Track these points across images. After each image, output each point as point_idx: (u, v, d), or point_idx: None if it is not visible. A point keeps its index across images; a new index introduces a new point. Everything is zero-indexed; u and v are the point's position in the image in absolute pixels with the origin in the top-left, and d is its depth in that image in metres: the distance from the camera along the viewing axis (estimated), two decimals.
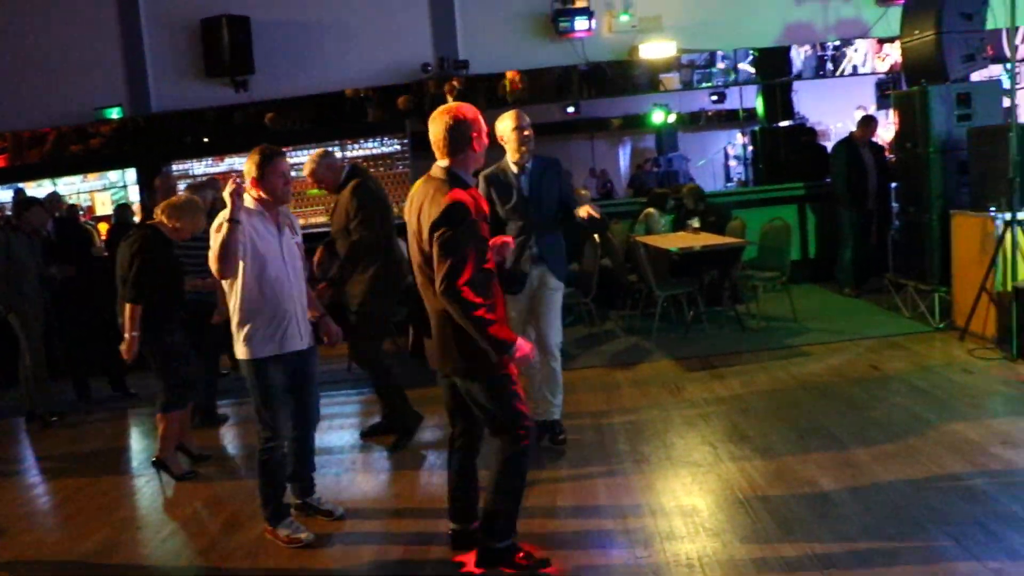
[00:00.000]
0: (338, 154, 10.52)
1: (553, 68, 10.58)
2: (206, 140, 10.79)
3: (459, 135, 3.71)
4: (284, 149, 4.56)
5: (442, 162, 3.75)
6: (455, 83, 10.35)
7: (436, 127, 3.73)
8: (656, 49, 10.34)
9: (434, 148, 3.77)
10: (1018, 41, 7.31)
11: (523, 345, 3.69)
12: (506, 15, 10.49)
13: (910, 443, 5.06)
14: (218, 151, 10.59)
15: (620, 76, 10.76)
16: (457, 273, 3.52)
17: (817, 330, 8.04)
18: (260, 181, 4.29)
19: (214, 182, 8.72)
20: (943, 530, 3.94)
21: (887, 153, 9.60)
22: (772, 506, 4.38)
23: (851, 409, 5.80)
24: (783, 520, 4.21)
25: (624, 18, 10.37)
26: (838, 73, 10.73)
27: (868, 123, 9.50)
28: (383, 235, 5.72)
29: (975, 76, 8.10)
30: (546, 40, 10.43)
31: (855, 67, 10.69)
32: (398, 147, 10.49)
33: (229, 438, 6.59)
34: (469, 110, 3.76)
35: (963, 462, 4.72)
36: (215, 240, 4.13)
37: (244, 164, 4.38)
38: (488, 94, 10.50)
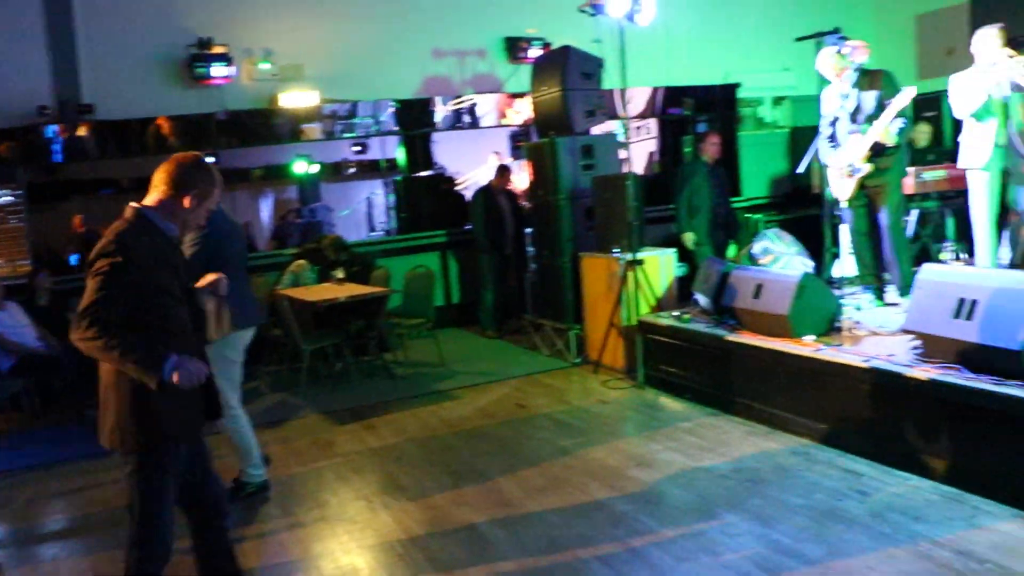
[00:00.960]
0: None
1: (190, 116, 9.95)
2: None
3: (188, 176, 3.20)
4: None
5: (149, 198, 3.19)
6: (80, 128, 9.44)
7: (173, 160, 3.23)
8: (297, 98, 10.15)
9: (152, 183, 3.21)
10: (628, 100, 8.06)
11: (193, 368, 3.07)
12: (137, 57, 9.66)
13: (557, 475, 5.24)
14: None
15: (261, 125, 10.40)
16: (92, 306, 2.93)
17: (464, 373, 8.19)
18: None
19: None
20: (593, 555, 4.08)
21: (522, 200, 10.13)
22: (431, 553, 4.30)
23: (501, 448, 5.91)
24: (442, 565, 4.14)
25: (265, 66, 10.06)
26: (474, 125, 11.20)
27: (504, 172, 9.98)
28: None
29: (596, 130, 8.80)
30: (182, 86, 9.80)
31: (490, 119, 11.22)
32: (10, 199, 9.33)
33: None
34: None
35: (605, 487, 4.96)
36: None
37: None
38: (118, 142, 9.69)
